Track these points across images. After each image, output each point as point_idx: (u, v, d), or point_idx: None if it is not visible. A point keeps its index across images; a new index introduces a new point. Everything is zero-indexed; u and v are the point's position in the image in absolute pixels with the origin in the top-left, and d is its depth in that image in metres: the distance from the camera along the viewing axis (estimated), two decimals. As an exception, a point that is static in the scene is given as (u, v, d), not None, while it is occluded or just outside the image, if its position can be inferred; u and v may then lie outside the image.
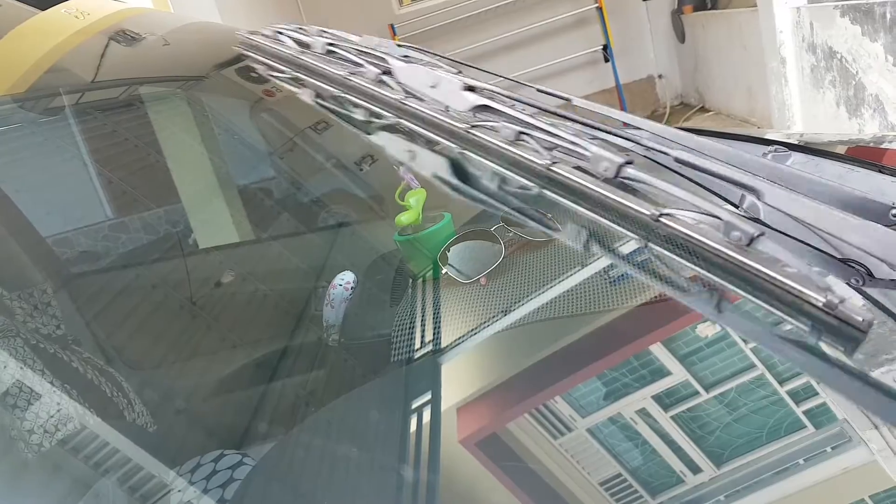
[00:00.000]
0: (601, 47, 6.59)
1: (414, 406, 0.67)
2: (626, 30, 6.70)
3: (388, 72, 0.97)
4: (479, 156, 0.81)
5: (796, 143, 1.21)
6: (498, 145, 0.79)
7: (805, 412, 0.53)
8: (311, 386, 0.90)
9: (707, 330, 0.62)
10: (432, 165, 0.88)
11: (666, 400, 0.57)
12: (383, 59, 0.99)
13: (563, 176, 0.71)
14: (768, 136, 1.31)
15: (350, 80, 1.01)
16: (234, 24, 3.96)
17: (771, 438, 0.52)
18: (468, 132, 0.82)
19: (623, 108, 6.61)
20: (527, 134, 0.77)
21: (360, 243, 1.27)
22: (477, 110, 0.84)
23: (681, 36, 6.44)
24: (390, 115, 0.93)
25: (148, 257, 1.19)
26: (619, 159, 0.68)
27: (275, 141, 1.52)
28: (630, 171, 0.68)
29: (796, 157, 1.12)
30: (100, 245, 1.16)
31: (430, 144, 0.88)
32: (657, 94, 6.97)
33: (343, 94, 1.02)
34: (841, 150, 1.18)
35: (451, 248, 0.88)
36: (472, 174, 0.83)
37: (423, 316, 0.82)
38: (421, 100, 0.90)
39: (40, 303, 0.79)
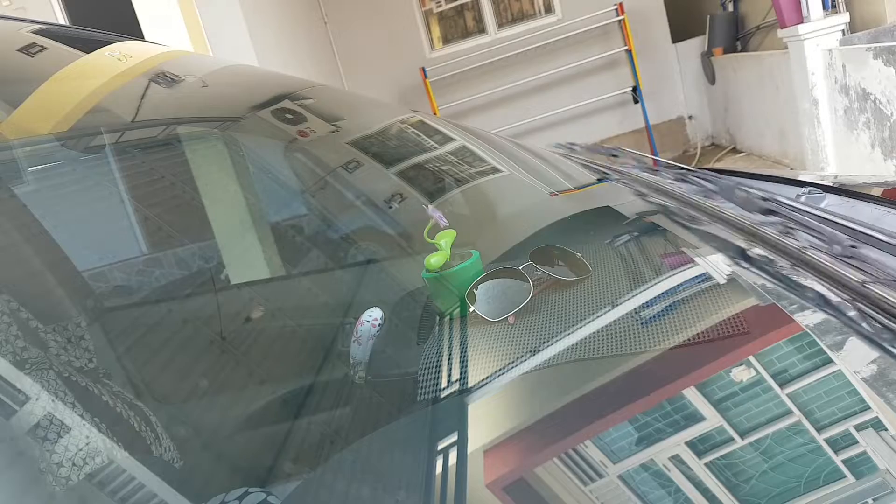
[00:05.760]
0: (630, 89, 6.62)
1: (440, 447, 0.66)
2: (656, 72, 6.74)
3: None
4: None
5: (830, 184, 1.19)
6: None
7: (844, 461, 0.51)
8: (338, 424, 0.90)
9: (742, 374, 0.61)
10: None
11: (700, 446, 0.55)
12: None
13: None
14: (802, 178, 1.30)
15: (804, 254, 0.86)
16: (269, 65, 4.07)
17: (809, 488, 0.50)
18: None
19: (653, 149, 6.61)
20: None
21: (388, 280, 1.28)
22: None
23: (711, 77, 6.45)
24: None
25: (180, 292, 1.21)
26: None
27: (307, 179, 1.54)
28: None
29: (831, 199, 1.10)
30: (134, 280, 1.18)
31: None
32: (687, 135, 6.96)
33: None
34: (876, 192, 1.16)
35: (478, 286, 0.88)
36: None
37: (450, 354, 0.82)
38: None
39: (74, 336, 0.80)
